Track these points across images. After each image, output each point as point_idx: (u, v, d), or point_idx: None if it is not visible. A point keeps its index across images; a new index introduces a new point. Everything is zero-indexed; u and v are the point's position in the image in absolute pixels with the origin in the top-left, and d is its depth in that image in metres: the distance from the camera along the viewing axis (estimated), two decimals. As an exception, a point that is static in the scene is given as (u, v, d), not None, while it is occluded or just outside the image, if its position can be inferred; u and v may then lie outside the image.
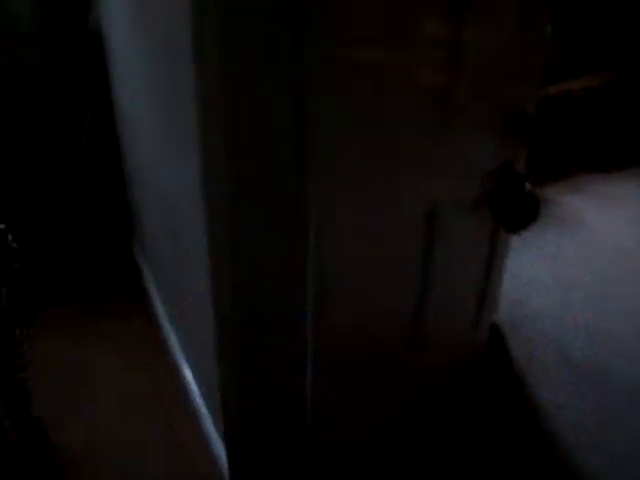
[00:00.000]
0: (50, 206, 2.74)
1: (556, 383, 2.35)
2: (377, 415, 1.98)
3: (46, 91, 2.64)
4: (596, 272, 2.99)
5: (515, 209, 1.93)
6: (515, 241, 2.15)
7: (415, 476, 2.08)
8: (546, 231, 3.01)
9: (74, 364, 2.39)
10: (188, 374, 2.13)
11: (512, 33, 1.61)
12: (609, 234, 3.32)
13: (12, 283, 1.88)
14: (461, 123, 1.62)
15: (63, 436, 2.14)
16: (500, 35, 1.58)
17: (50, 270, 2.73)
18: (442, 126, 1.56)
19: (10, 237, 1.84)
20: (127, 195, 2.67)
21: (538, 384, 2.35)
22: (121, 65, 2.20)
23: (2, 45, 2.37)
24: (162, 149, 1.80)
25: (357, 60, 1.28)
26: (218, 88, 1.19)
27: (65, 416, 2.21)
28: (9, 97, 2.46)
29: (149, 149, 2.02)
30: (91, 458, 2.08)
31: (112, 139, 2.59)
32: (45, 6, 2.38)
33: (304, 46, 1.16)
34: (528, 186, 1.94)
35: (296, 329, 1.56)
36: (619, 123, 4.32)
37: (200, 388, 2.03)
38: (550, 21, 1.74)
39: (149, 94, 1.84)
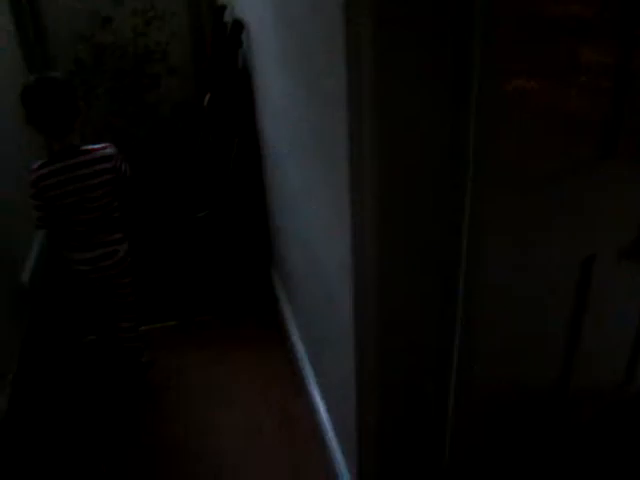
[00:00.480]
0: (197, 230, 2.85)
1: None
2: (514, 465, 1.88)
3: (196, 122, 2.75)
4: None
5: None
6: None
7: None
8: None
9: (213, 379, 2.46)
10: (322, 412, 2.10)
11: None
12: None
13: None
14: (624, 166, 1.52)
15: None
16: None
17: (193, 291, 2.85)
18: (605, 173, 1.47)
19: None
20: (269, 224, 2.72)
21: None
22: (267, 101, 2.26)
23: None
24: (307, 190, 1.80)
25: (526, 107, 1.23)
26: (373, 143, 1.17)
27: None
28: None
29: (292, 186, 2.05)
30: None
31: (257, 169, 2.66)
32: (198, 46, 2.49)
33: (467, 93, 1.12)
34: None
35: (440, 379, 1.50)
36: None
37: (335, 429, 2.00)
38: None
39: (293, 131, 1.86)
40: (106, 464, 2.12)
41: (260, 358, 2.56)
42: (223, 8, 2.67)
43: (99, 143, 2.14)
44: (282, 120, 2.03)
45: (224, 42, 2.53)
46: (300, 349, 2.35)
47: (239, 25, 2.42)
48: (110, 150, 2.13)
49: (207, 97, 2.66)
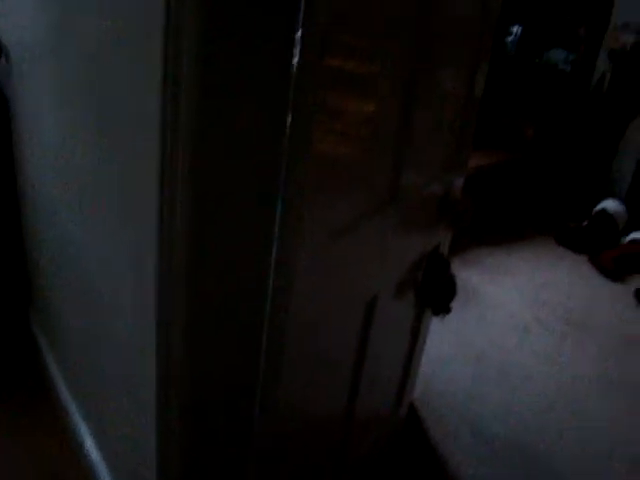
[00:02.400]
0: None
1: (472, 458, 2.38)
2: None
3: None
4: (498, 343, 3.11)
5: (441, 292, 1.99)
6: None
7: None
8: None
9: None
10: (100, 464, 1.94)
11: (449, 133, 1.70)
12: (506, 305, 3.49)
13: None
14: (406, 216, 1.67)
15: None
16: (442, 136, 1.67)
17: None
18: (392, 222, 1.59)
19: None
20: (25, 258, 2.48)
21: (456, 461, 2.36)
22: (33, 133, 2.06)
23: None
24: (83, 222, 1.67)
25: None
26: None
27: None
28: None
29: (59, 214, 1.88)
30: None
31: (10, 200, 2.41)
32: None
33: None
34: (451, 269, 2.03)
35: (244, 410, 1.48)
36: (507, 199, 4.63)
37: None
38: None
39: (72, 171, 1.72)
40: None
41: (17, 417, 2.29)
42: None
43: None
44: (55, 157, 1.87)
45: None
46: (70, 404, 2.16)
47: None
48: None
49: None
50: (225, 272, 1.21)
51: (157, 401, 1.33)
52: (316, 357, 1.57)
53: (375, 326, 1.75)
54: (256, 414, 1.40)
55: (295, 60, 1.02)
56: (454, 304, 2.00)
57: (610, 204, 4.53)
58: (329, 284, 1.45)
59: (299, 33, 1.01)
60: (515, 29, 5.17)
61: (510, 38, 5.21)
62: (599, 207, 4.55)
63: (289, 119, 1.05)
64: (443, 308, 2.00)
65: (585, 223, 4.56)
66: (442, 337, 3.04)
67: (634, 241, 4.32)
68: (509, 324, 3.32)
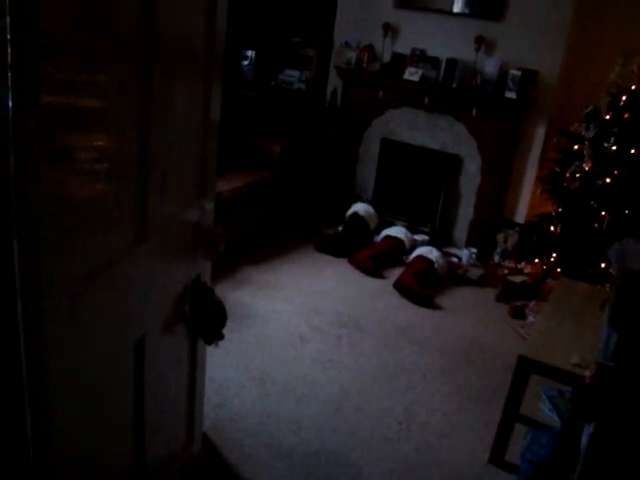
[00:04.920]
0: None
1: (273, 475, 2.38)
2: None
3: None
4: (279, 358, 3.16)
5: (210, 320, 1.97)
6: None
7: None
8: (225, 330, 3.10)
9: None
10: None
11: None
12: (280, 319, 3.57)
13: None
14: (162, 250, 1.61)
15: None
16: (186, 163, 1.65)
17: None
18: (147, 258, 1.53)
19: None
20: None
21: (258, 483, 2.35)
22: None
23: None
24: None
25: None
26: None
27: None
28: None
29: None
30: None
31: None
32: None
33: None
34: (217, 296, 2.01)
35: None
36: (265, 216, 4.75)
37: None
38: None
39: None
40: None
41: None
42: None
43: None
44: None
45: None
46: None
47: None
48: None
49: None
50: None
51: None
52: (91, 410, 1.45)
53: (148, 366, 1.67)
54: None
55: (9, 102, 0.94)
56: (229, 327, 1.98)
57: (360, 207, 4.86)
58: (90, 331, 1.35)
59: (8, 73, 0.93)
60: (250, 54, 5.37)
61: (246, 63, 5.40)
62: (350, 211, 4.87)
63: (12, 165, 0.96)
64: (215, 335, 1.98)
65: (340, 228, 4.85)
66: (224, 362, 3.02)
67: (387, 237, 4.69)
68: (286, 337, 3.40)
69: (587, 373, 1.94)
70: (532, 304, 3.98)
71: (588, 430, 1.77)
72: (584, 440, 1.79)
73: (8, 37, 0.92)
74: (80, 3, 1.12)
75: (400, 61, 4.74)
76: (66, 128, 1.13)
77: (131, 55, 1.31)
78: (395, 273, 4.32)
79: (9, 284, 1.05)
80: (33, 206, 1.04)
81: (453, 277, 4.45)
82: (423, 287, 4.09)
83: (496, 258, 4.56)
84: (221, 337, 1.98)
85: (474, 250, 4.65)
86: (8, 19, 0.91)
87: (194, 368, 2.13)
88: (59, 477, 1.33)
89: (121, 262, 1.43)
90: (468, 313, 3.99)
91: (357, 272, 4.36)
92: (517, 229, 4.57)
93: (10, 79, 0.94)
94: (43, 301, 1.12)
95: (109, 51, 1.23)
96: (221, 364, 2.99)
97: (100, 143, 1.29)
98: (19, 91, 0.95)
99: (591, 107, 3.94)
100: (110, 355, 1.50)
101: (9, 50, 0.92)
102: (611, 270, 3.29)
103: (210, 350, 2.23)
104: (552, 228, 4.18)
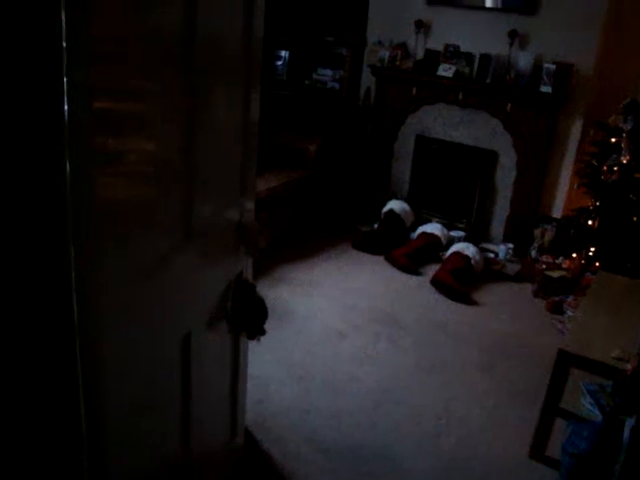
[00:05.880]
0: None
1: (315, 470, 2.42)
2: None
3: None
4: (318, 354, 3.21)
5: (252, 315, 2.02)
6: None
7: None
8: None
9: None
10: None
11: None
12: (318, 316, 3.61)
13: None
14: (207, 248, 1.67)
15: None
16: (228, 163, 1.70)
17: None
18: (193, 257, 1.58)
19: None
20: None
21: (301, 476, 2.39)
22: None
23: None
24: None
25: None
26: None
27: None
28: None
29: None
30: None
31: None
32: None
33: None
34: (258, 292, 2.06)
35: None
36: (302, 214, 4.80)
37: None
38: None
39: None
40: None
41: None
42: None
43: None
44: None
45: None
46: None
47: None
48: None
49: None
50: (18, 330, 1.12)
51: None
52: (141, 399, 1.51)
53: (194, 361, 1.72)
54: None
55: (65, 108, 0.99)
56: (268, 324, 2.03)
57: (395, 204, 4.88)
58: (140, 328, 1.41)
59: (65, 79, 0.98)
60: (283, 54, 5.42)
61: (280, 63, 5.45)
62: (386, 209, 4.88)
63: (67, 168, 1.01)
64: (257, 331, 2.03)
65: (376, 226, 4.87)
66: (264, 359, 3.07)
67: (423, 234, 4.70)
68: (324, 333, 3.44)
69: (628, 366, 1.94)
70: (570, 299, 3.94)
71: (630, 423, 1.78)
72: (626, 433, 1.80)
73: (64, 45, 0.97)
74: (129, 13, 1.17)
75: (433, 58, 4.74)
76: (117, 133, 1.19)
77: (175, 61, 1.36)
78: (432, 270, 4.32)
79: (66, 285, 1.11)
80: (88, 210, 1.10)
81: (490, 273, 4.44)
82: (460, 283, 4.09)
83: (533, 253, 4.53)
84: (263, 332, 2.03)
85: (511, 246, 4.62)
86: (64, 28, 0.96)
87: (237, 363, 2.18)
88: (110, 462, 1.39)
89: (169, 262, 1.48)
90: (506, 309, 3.98)
91: (394, 269, 4.38)
92: (554, 224, 4.53)
93: (65, 85, 0.99)
94: (99, 299, 1.18)
95: (155, 58, 1.28)
96: (261, 360, 3.05)
97: (148, 147, 1.35)
98: (73, 97, 1.00)
99: (629, 99, 3.89)
100: (158, 350, 1.56)
101: (64, 57, 0.97)
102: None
103: (251, 346, 2.28)
104: (590, 222, 4.14)
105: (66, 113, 1.00)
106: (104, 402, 1.29)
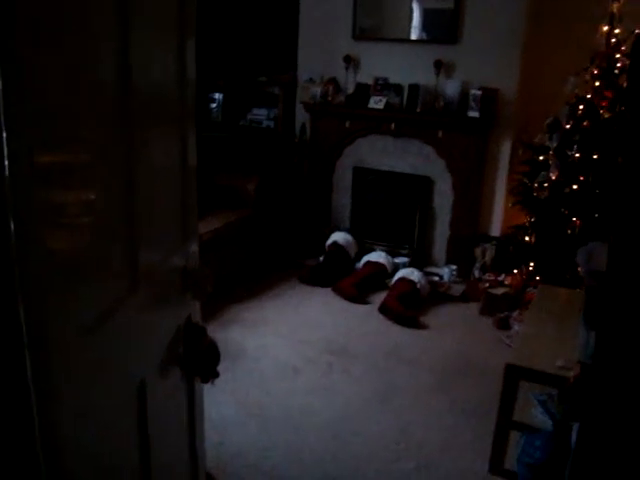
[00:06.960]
0: None
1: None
2: None
3: None
4: (273, 391, 3.20)
5: (204, 359, 2.02)
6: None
7: None
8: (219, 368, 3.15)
9: None
10: None
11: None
12: (271, 353, 3.61)
13: None
14: (154, 295, 1.67)
15: None
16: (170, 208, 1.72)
17: None
18: (141, 305, 1.58)
19: None
20: None
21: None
22: None
23: None
24: None
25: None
26: None
27: None
28: None
29: None
30: None
31: None
32: None
33: None
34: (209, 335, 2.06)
35: None
36: (247, 253, 4.81)
37: None
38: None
39: None
40: None
41: None
42: None
43: None
44: None
45: None
46: None
47: None
48: None
49: None
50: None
51: None
52: (99, 449, 1.49)
53: (151, 408, 1.71)
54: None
55: (5, 162, 1.00)
56: (222, 366, 2.03)
57: (339, 236, 4.95)
58: (91, 378, 1.40)
59: (4, 134, 0.99)
60: (217, 96, 5.48)
61: (214, 105, 5.51)
62: (330, 241, 4.95)
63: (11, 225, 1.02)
64: (210, 374, 2.03)
65: (321, 259, 4.92)
66: (220, 400, 3.05)
67: (368, 263, 4.77)
68: (278, 370, 3.44)
69: (571, 374, 2.02)
70: (516, 314, 4.06)
71: (577, 427, 1.84)
72: (574, 437, 1.86)
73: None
74: (64, 68, 1.20)
75: (364, 91, 4.88)
76: (58, 186, 1.20)
77: (111, 109, 1.38)
78: (379, 297, 4.38)
79: (17, 341, 1.11)
80: (35, 266, 1.10)
81: (436, 295, 4.53)
82: (407, 308, 4.16)
83: (476, 273, 4.65)
84: (216, 375, 2.03)
85: (454, 267, 4.74)
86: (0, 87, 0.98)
87: (193, 407, 2.16)
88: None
89: (117, 311, 1.48)
90: (454, 329, 4.06)
91: (342, 300, 4.42)
92: (494, 242, 4.67)
93: (5, 140, 1.00)
94: (49, 354, 1.18)
95: (92, 108, 1.30)
96: (218, 402, 3.03)
97: (89, 198, 1.36)
98: (14, 150, 1.01)
99: (551, 118, 4.08)
100: (112, 401, 1.54)
101: (2, 115, 0.98)
102: (579, 272, 3.39)
103: (206, 389, 2.27)
104: (527, 238, 4.28)
105: (7, 169, 1.01)
106: (63, 456, 1.27)
